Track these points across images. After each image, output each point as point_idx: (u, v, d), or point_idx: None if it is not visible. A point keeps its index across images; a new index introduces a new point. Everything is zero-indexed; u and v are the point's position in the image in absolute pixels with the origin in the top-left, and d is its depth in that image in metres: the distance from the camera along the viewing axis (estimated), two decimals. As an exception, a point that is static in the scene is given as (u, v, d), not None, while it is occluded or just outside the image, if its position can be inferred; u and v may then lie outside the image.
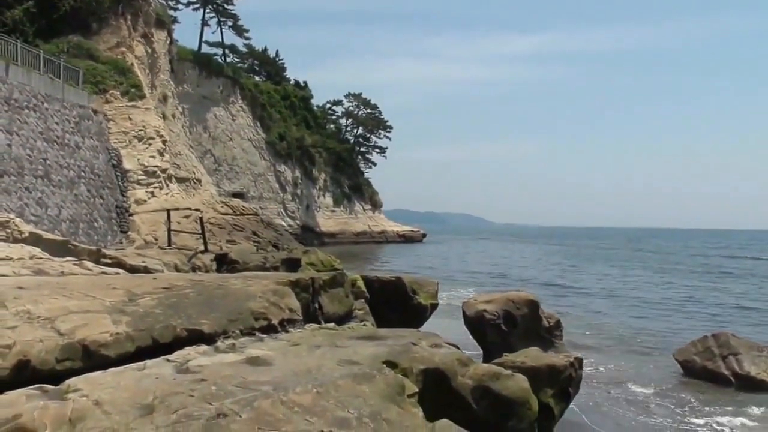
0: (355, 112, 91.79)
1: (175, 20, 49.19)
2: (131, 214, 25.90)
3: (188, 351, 6.31)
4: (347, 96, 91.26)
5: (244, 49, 75.45)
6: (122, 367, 5.72)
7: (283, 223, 57.54)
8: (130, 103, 29.03)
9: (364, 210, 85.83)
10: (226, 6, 66.81)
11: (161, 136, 29.37)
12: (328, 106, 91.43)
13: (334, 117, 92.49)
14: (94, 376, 5.39)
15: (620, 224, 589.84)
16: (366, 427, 4.55)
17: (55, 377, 5.44)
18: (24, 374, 5.43)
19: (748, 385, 12.74)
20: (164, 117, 33.62)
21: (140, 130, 28.35)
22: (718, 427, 10.57)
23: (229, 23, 68.70)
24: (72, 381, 5.17)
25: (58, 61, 24.77)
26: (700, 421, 10.86)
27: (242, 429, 4.27)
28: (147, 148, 28.28)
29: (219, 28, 68.52)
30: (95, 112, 26.40)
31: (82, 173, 23.70)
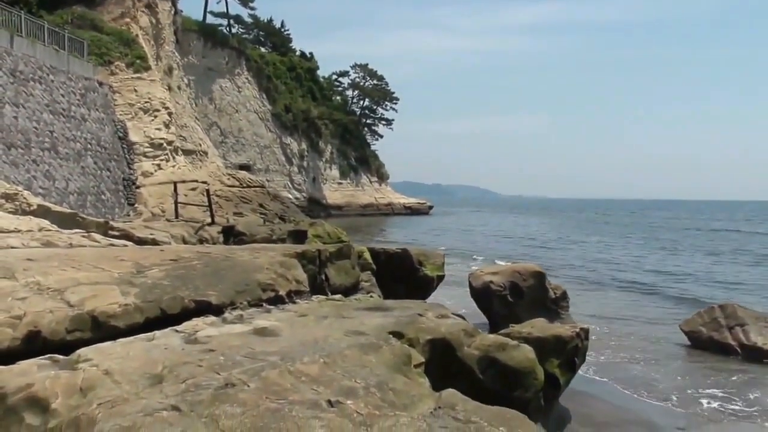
0: (362, 84, 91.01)
1: (179, -10, 48.47)
2: (138, 187, 25.97)
3: (196, 322, 6.35)
4: (353, 67, 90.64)
5: (249, 20, 74.71)
6: (131, 338, 5.77)
7: (290, 196, 57.54)
8: (135, 75, 28.91)
9: (370, 182, 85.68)
10: (230, -24, 65.99)
11: (167, 108, 29.29)
12: (335, 77, 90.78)
13: (340, 88, 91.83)
14: (104, 346, 5.45)
15: (628, 196, 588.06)
16: (373, 396, 4.59)
17: (66, 347, 5.50)
18: (35, 344, 5.50)
19: (755, 355, 12.77)
20: (170, 89, 33.47)
21: (146, 102, 28.27)
22: (725, 398, 10.62)
23: (234, -7, 67.85)
24: (82, 351, 5.22)
25: (62, 33, 24.61)
26: (707, 391, 10.91)
27: (250, 398, 4.31)
28: (153, 120, 28.23)
29: (224, -2, 67.75)
30: (100, 84, 26.31)
31: (89, 146, 23.71)
